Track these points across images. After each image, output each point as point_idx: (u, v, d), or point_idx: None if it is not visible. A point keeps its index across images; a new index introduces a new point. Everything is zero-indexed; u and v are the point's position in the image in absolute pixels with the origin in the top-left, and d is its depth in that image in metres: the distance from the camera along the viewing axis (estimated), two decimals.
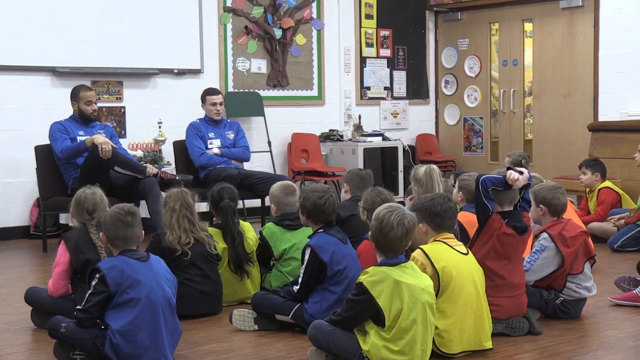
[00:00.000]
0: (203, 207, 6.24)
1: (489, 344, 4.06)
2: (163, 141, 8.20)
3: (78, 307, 3.86)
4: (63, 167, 7.10)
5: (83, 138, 6.96)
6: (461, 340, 3.98)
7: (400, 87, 10.66)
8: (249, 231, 5.19)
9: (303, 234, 4.93)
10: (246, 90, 9.30)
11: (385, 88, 10.52)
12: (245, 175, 7.59)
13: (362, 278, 3.69)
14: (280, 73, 9.52)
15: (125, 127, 8.47)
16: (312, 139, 9.66)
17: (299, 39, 9.67)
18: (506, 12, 10.31)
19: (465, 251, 4.13)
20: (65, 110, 7.27)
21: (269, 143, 9.18)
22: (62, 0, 8.06)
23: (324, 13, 9.87)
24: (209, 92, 7.94)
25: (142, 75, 8.55)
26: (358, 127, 9.95)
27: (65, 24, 8.04)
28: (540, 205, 4.79)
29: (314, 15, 9.79)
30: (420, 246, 4.05)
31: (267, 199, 6.96)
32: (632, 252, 6.71)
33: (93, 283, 3.81)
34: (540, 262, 4.66)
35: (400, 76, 10.65)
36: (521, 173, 4.25)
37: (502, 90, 10.39)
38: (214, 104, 7.83)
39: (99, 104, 7.66)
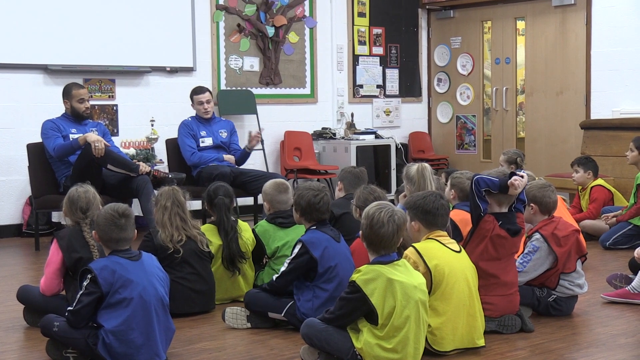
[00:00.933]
0: (195, 205, 6.24)
1: (481, 342, 4.07)
2: (155, 139, 8.19)
3: (70, 308, 3.84)
4: (55, 165, 7.08)
5: (75, 136, 6.95)
6: (454, 338, 3.99)
7: (393, 85, 10.67)
8: (246, 231, 5.19)
9: (296, 232, 4.94)
10: (239, 88, 9.29)
11: (378, 86, 10.53)
12: (238, 174, 7.58)
13: (355, 276, 3.69)
14: (272, 71, 9.52)
15: (118, 125, 8.46)
16: (304, 137, 9.66)
17: (292, 36, 9.67)
18: (499, 10, 10.33)
19: (458, 249, 4.13)
20: (57, 108, 7.25)
21: (262, 141, 9.17)
22: None
23: (317, 11, 9.87)
24: (196, 91, 7.91)
25: (135, 73, 8.53)
26: (351, 125, 9.96)
27: (57, 21, 8.02)
28: (531, 204, 4.80)
29: (307, 13, 9.79)
30: (413, 244, 4.06)
31: (259, 197, 6.97)
32: (624, 249, 6.73)
33: (84, 284, 3.80)
34: (533, 263, 4.67)
35: (393, 74, 10.66)
36: (522, 177, 4.24)
37: (494, 88, 10.41)
38: (201, 103, 7.82)
39: (91, 102, 7.65)
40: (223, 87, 9.16)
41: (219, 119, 8.04)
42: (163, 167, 7.95)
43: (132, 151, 7.96)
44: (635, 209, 6.86)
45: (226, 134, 7.94)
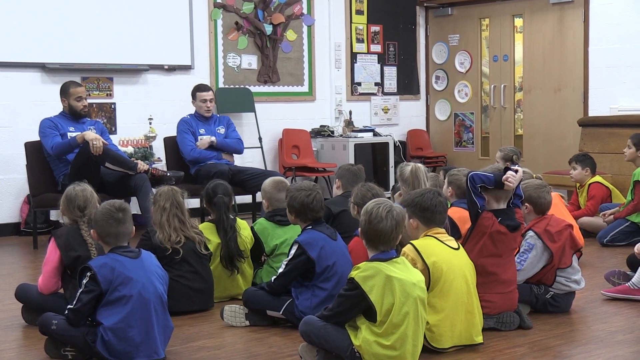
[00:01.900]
0: (193, 203, 6.24)
1: (479, 339, 4.08)
2: (153, 137, 8.18)
3: (69, 306, 3.85)
4: (53, 164, 7.08)
5: (73, 134, 6.95)
6: (452, 335, 3.99)
7: (391, 83, 10.67)
8: (245, 229, 5.19)
9: (294, 230, 4.94)
10: (237, 86, 9.29)
11: (376, 84, 10.53)
12: (236, 171, 7.58)
13: (354, 273, 3.69)
14: (270, 69, 9.52)
15: (116, 123, 8.45)
16: (303, 135, 9.66)
17: (290, 34, 9.67)
18: (496, 7, 10.33)
19: (456, 246, 4.14)
20: (55, 106, 7.25)
21: (260, 139, 9.17)
22: None
23: (315, 9, 9.87)
24: (199, 88, 7.93)
25: (133, 71, 8.53)
26: (349, 123, 9.95)
27: (55, 19, 8.01)
28: (526, 204, 4.80)
29: (305, 11, 9.78)
30: (411, 241, 4.06)
31: (258, 194, 6.98)
32: (622, 246, 6.73)
33: (84, 281, 3.80)
34: (529, 261, 4.68)
35: (391, 72, 10.66)
36: (516, 172, 4.25)
37: (492, 86, 10.41)
38: (204, 101, 7.82)
39: (89, 100, 7.64)
40: (221, 85, 9.15)
41: (215, 117, 8.04)
42: (161, 166, 7.95)
43: (130, 149, 7.96)
44: (633, 205, 6.86)
45: (223, 130, 7.94)
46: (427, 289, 3.89)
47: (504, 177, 4.20)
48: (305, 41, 9.82)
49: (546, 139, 9.89)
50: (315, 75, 9.92)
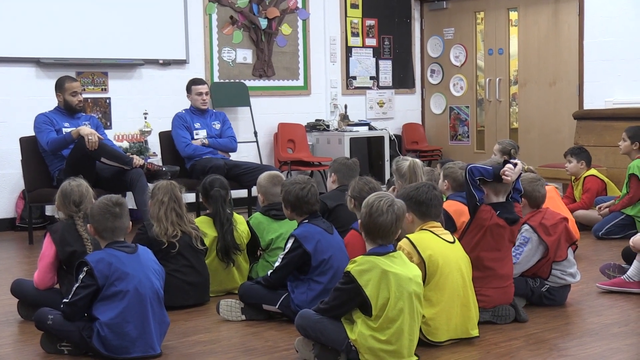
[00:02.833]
0: (189, 198, 6.23)
1: (475, 332, 4.09)
2: (149, 132, 8.17)
3: (65, 300, 3.86)
4: (48, 159, 7.07)
5: (68, 129, 6.93)
6: (448, 329, 4.00)
7: (386, 77, 10.66)
8: (242, 224, 5.19)
9: (290, 224, 4.93)
10: (232, 81, 9.28)
11: (371, 77, 10.52)
12: (232, 166, 7.58)
13: (350, 267, 3.69)
14: (266, 63, 9.51)
15: (111, 118, 8.44)
16: (298, 129, 9.66)
17: (285, 28, 9.65)
18: (491, 1, 10.32)
19: (451, 240, 4.14)
20: (50, 101, 7.23)
21: (255, 133, 9.17)
22: None
23: (309, 3, 9.85)
24: (195, 82, 7.92)
25: (127, 66, 8.51)
26: (344, 117, 9.95)
27: (49, 14, 7.99)
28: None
29: (299, 5, 9.77)
30: (407, 235, 4.06)
31: (253, 189, 6.98)
32: (617, 239, 6.75)
33: (81, 276, 3.81)
34: (525, 255, 4.69)
35: (386, 66, 10.65)
36: (515, 165, 4.25)
37: (487, 79, 10.41)
38: (200, 94, 7.82)
39: (84, 95, 7.63)
40: (216, 79, 9.14)
41: (211, 112, 8.04)
42: (156, 160, 7.94)
43: (125, 144, 7.95)
44: (628, 198, 6.88)
45: (219, 125, 7.93)
46: (423, 283, 3.89)
47: (502, 170, 4.21)
48: (300, 35, 9.81)
49: (541, 133, 9.90)
50: (311, 70, 9.91)
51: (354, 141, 9.54)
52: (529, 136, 10.02)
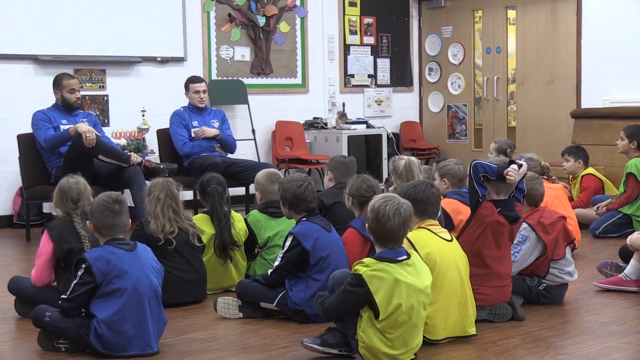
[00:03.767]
0: (186, 196, 6.24)
1: (472, 330, 4.09)
2: (147, 129, 8.17)
3: (63, 296, 3.86)
4: (46, 156, 7.06)
5: (66, 127, 6.93)
6: (445, 327, 4.00)
7: (384, 75, 10.66)
8: (239, 221, 5.19)
9: (287, 222, 4.93)
10: (230, 78, 9.27)
11: (369, 76, 10.52)
12: (230, 164, 7.58)
13: (362, 270, 3.62)
14: (264, 61, 9.50)
15: (109, 115, 8.43)
16: (296, 127, 9.65)
17: (283, 26, 9.65)
18: None
19: (449, 238, 4.14)
20: (47, 98, 7.22)
21: (253, 131, 9.17)
22: None
23: (308, 0, 9.84)
24: (192, 80, 7.91)
25: (125, 63, 8.50)
26: (342, 115, 9.95)
27: (47, 11, 7.99)
28: None
29: (298, 3, 9.76)
30: None
31: (251, 187, 6.97)
32: (614, 238, 6.76)
33: (79, 273, 3.80)
34: (523, 253, 4.69)
35: (384, 64, 10.65)
36: (520, 166, 4.24)
37: (485, 78, 10.42)
38: (197, 92, 7.81)
39: (82, 93, 7.62)
40: (214, 77, 9.14)
41: (210, 109, 8.03)
42: (154, 158, 7.94)
43: (123, 142, 7.95)
44: (625, 197, 6.88)
45: (217, 124, 7.93)
46: None
47: (506, 170, 4.20)
48: (298, 33, 9.81)
49: (539, 131, 9.90)
50: (309, 67, 9.91)
51: (351, 139, 9.54)
52: (527, 135, 10.03)
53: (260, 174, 5.35)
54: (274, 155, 9.47)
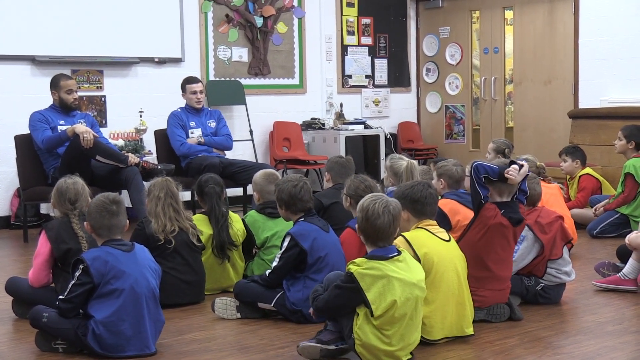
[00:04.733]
0: (184, 196, 6.23)
1: (470, 330, 4.09)
2: (144, 130, 8.17)
3: (61, 296, 3.85)
4: (44, 157, 7.06)
5: (64, 127, 6.92)
6: (443, 327, 4.00)
7: (382, 75, 10.67)
8: (237, 222, 5.18)
9: (285, 222, 4.93)
10: (227, 79, 9.27)
11: (367, 76, 10.52)
12: (227, 164, 7.58)
13: (354, 269, 3.64)
14: (261, 61, 9.50)
15: (106, 116, 8.43)
16: (293, 128, 9.65)
17: (280, 27, 9.65)
18: None
19: (447, 238, 4.14)
20: (45, 99, 7.22)
21: (251, 132, 9.16)
22: None
23: (305, 1, 9.85)
24: (189, 80, 7.90)
25: (123, 64, 8.50)
26: (340, 115, 9.95)
27: (44, 12, 7.98)
28: None
29: (295, 4, 9.77)
30: (402, 233, 4.06)
31: (249, 187, 6.97)
32: (612, 238, 6.77)
33: (77, 274, 3.80)
34: (521, 252, 4.69)
35: (382, 64, 10.65)
36: (521, 167, 4.24)
37: (483, 78, 10.42)
38: (194, 93, 7.80)
39: (80, 93, 7.61)
40: (212, 77, 9.14)
41: (207, 110, 8.02)
42: (152, 158, 7.94)
43: (120, 142, 7.93)
44: (623, 197, 6.89)
45: (214, 124, 7.93)
46: None
47: (506, 170, 4.19)
48: (295, 34, 9.81)
49: (536, 131, 9.91)
50: (306, 68, 9.91)
51: (349, 140, 9.54)
52: (524, 135, 10.03)
53: (258, 175, 5.35)
54: (271, 156, 9.47)
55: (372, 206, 3.68)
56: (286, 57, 9.73)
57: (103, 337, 3.78)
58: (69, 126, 6.89)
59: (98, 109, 8.38)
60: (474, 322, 4.15)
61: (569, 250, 4.96)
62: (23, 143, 7.14)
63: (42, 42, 7.96)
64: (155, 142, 7.97)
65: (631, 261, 5.01)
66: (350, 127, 9.73)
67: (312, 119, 9.83)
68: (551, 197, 5.94)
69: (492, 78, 10.31)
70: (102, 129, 7.59)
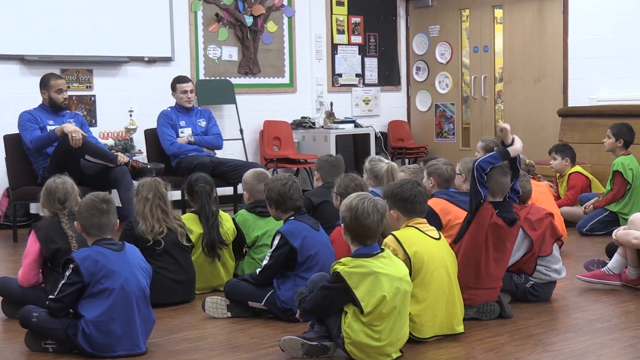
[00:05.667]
0: (174, 196, 6.23)
1: (460, 328, 4.10)
2: (134, 129, 8.15)
3: (51, 296, 3.84)
4: (33, 157, 7.04)
5: (53, 127, 6.91)
6: (433, 325, 4.00)
7: (372, 74, 10.68)
8: (227, 221, 5.18)
9: (275, 221, 4.93)
10: (217, 78, 9.26)
11: (357, 75, 10.53)
12: (218, 163, 7.57)
13: (340, 268, 3.65)
14: (251, 60, 9.50)
15: (96, 115, 8.41)
16: (284, 127, 9.65)
17: (270, 26, 9.65)
18: None
19: (437, 236, 4.14)
20: (34, 99, 7.20)
21: (241, 131, 9.16)
22: None
23: (295, 0, 9.84)
24: (179, 80, 7.89)
25: (113, 63, 8.48)
26: (330, 114, 9.96)
27: (33, 11, 7.95)
28: None
29: (285, 3, 9.76)
30: (392, 232, 4.07)
31: (239, 186, 6.96)
32: (601, 235, 6.79)
33: (67, 273, 3.79)
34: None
35: (372, 63, 10.66)
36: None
37: (473, 77, 10.44)
38: (185, 92, 7.79)
39: (69, 93, 7.59)
40: (202, 77, 9.13)
41: (197, 109, 8.01)
42: (142, 158, 7.92)
43: (110, 142, 7.92)
44: (612, 195, 6.91)
45: (204, 123, 7.92)
46: None
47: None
48: (285, 32, 9.81)
49: (526, 130, 9.92)
50: (296, 67, 9.91)
51: (339, 138, 9.54)
52: (514, 133, 9.87)
53: (248, 174, 5.35)
54: (262, 155, 9.47)
55: (361, 205, 3.68)
56: (276, 56, 9.73)
57: (93, 336, 3.77)
58: (58, 126, 6.87)
59: (88, 108, 8.36)
60: (464, 320, 4.15)
61: (560, 248, 4.97)
62: (12, 143, 7.12)
63: (31, 41, 7.94)
64: (145, 142, 7.96)
65: (616, 256, 5.04)
66: (341, 126, 9.74)
67: (302, 118, 9.83)
68: (541, 195, 5.95)
69: (482, 77, 10.33)
70: (91, 129, 7.57)
